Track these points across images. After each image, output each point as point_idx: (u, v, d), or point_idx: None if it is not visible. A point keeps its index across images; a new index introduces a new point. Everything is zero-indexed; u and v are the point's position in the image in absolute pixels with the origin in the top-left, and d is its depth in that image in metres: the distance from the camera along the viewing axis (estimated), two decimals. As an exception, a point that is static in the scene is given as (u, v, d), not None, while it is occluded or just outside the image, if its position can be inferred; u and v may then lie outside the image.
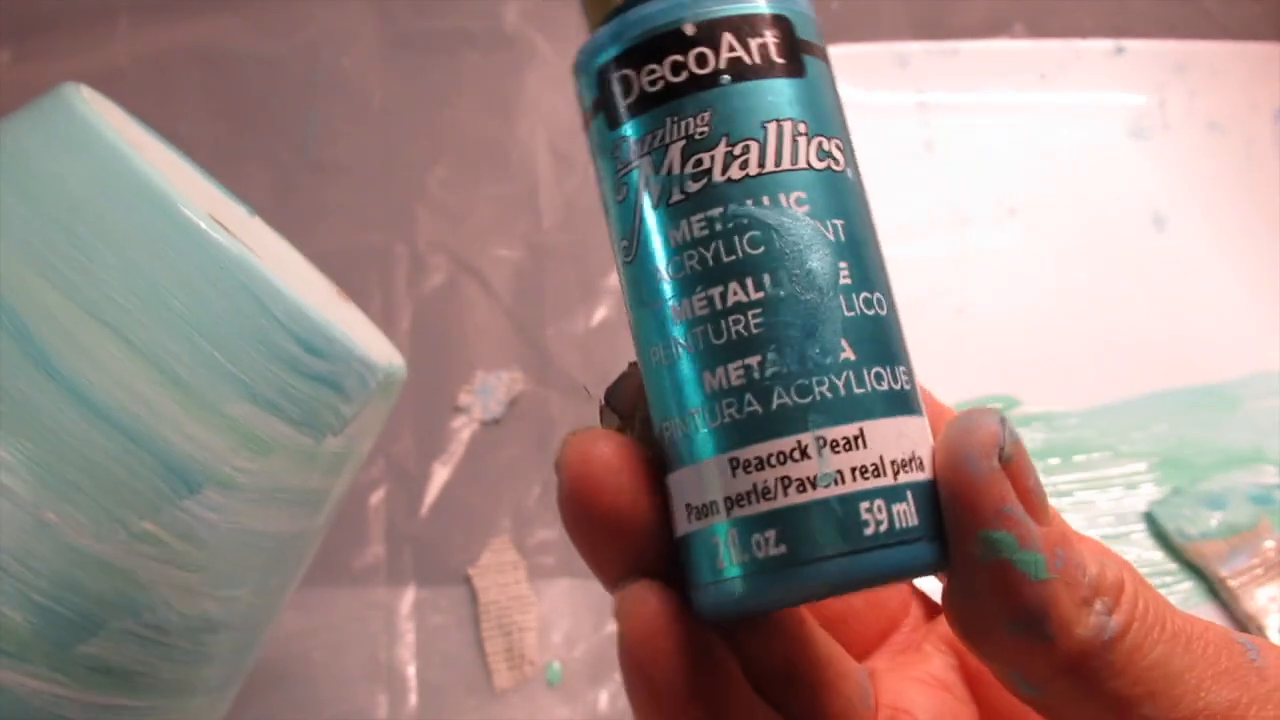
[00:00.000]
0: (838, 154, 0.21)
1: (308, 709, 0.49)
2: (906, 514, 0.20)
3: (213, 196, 0.38)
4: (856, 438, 0.20)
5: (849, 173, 0.21)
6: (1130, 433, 0.55)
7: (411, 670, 0.50)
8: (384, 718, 0.49)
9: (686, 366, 0.21)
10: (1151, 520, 0.52)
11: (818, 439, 0.20)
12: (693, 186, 0.21)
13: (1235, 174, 0.62)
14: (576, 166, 0.61)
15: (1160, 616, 0.21)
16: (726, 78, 0.21)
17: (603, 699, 0.50)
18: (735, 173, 0.20)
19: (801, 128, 0.21)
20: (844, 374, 0.20)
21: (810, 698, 0.23)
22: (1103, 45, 0.64)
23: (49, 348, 0.30)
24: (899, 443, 0.20)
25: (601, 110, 0.22)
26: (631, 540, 0.21)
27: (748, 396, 0.20)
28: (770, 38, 0.21)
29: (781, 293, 0.20)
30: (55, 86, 0.34)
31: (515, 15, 0.65)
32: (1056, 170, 0.62)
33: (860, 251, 0.21)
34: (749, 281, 0.20)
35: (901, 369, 0.21)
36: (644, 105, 0.21)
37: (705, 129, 0.21)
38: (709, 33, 0.21)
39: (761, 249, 0.20)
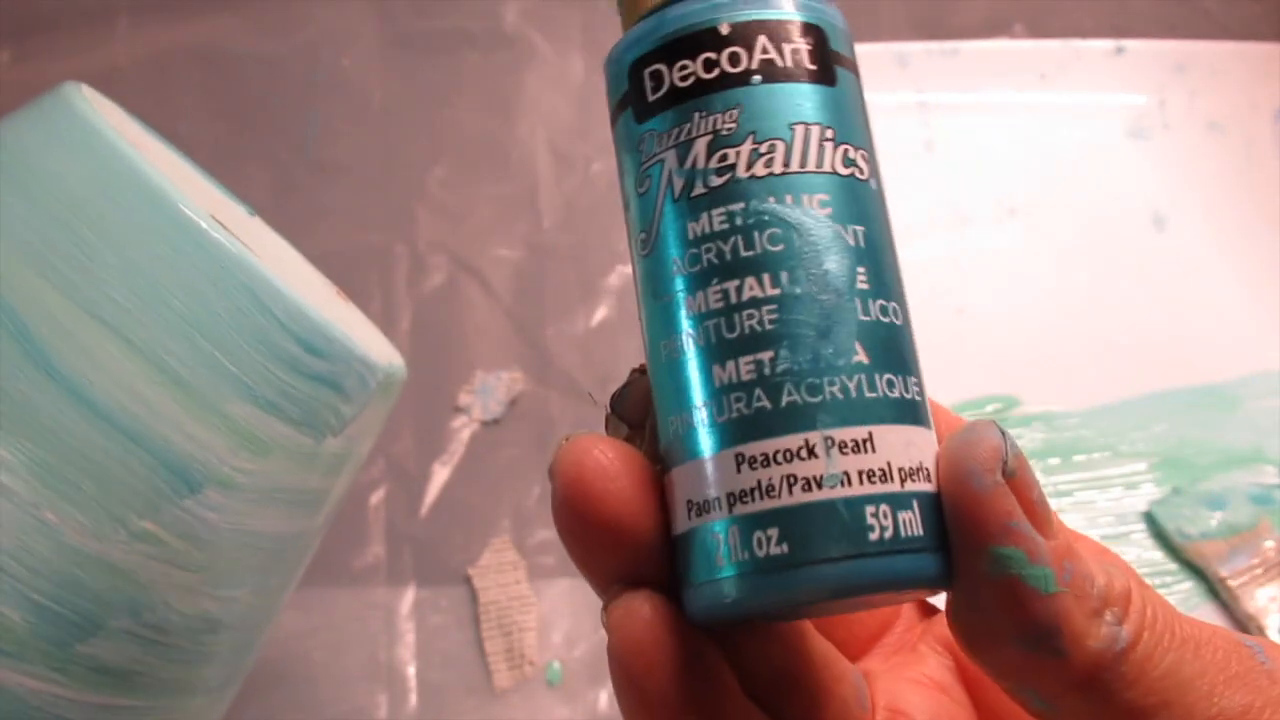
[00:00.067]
0: (862, 163, 0.21)
1: (308, 709, 0.49)
2: (912, 523, 0.19)
3: (213, 196, 0.38)
4: (865, 441, 0.20)
5: (872, 183, 0.21)
6: (1130, 433, 0.55)
7: (411, 670, 0.50)
8: (384, 718, 0.49)
9: (696, 360, 0.20)
10: (1151, 520, 0.52)
11: (826, 439, 0.19)
12: (716, 181, 0.21)
13: (1235, 174, 0.62)
14: (576, 166, 0.61)
15: (1169, 623, 0.20)
16: (757, 78, 0.21)
17: (603, 699, 0.50)
18: (760, 170, 0.20)
19: (829, 133, 0.21)
20: (855, 376, 0.20)
21: (806, 702, 0.23)
22: (1103, 45, 0.64)
23: (49, 347, 0.30)
24: (907, 451, 0.20)
25: (630, 104, 0.22)
26: (628, 549, 0.20)
27: (757, 392, 0.20)
28: (804, 44, 0.21)
29: (798, 290, 0.20)
30: (55, 86, 0.34)
31: (515, 15, 0.65)
32: (1056, 170, 0.62)
33: (879, 259, 0.21)
34: (766, 277, 0.20)
35: (913, 380, 0.21)
36: (673, 99, 0.21)
37: (732, 125, 0.21)
38: (744, 33, 0.21)
39: (781, 246, 0.20)
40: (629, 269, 0.59)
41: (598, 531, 0.20)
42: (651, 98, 0.21)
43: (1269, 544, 0.51)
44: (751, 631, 0.22)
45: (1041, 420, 0.55)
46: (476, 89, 0.64)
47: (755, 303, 0.20)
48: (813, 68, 0.21)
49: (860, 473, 0.19)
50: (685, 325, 0.21)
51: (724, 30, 0.21)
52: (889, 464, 0.20)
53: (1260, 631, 0.49)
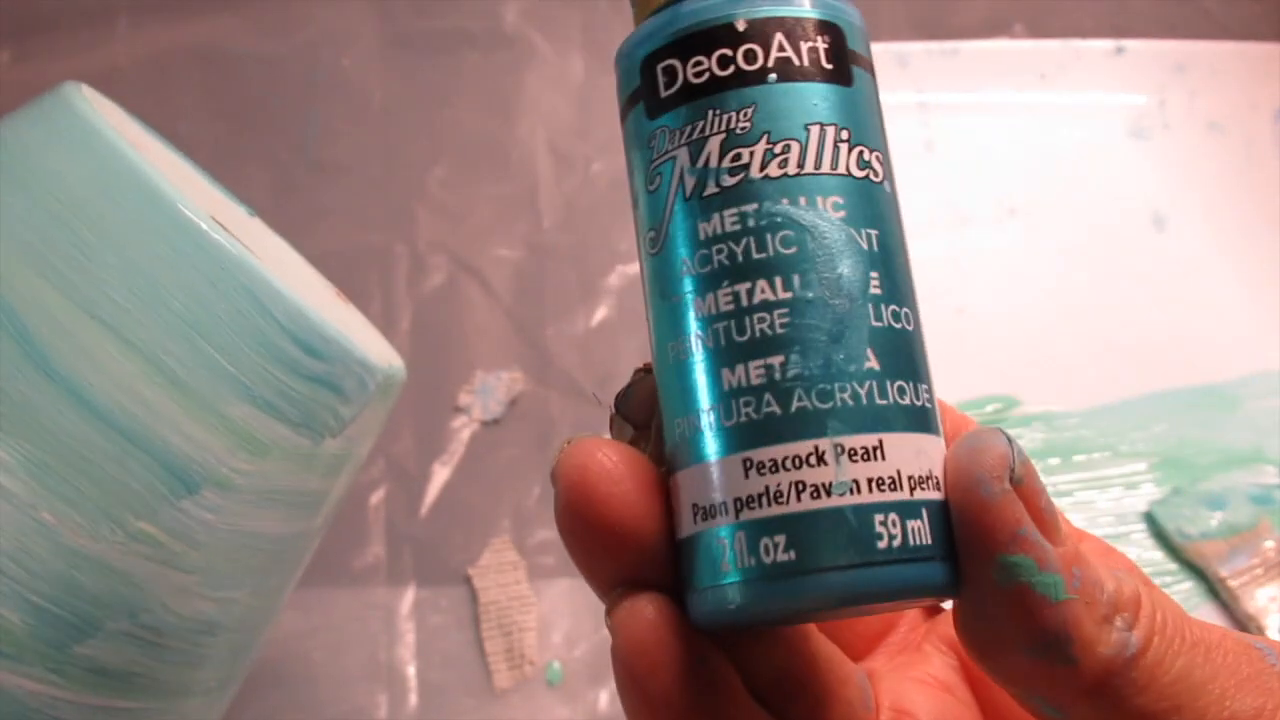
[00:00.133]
0: (877, 166, 0.21)
1: (308, 709, 0.49)
2: (921, 531, 0.19)
3: (213, 196, 0.38)
4: (875, 448, 0.19)
5: (886, 185, 0.21)
6: (1130, 433, 0.55)
7: (411, 670, 0.50)
8: (384, 718, 0.49)
9: (704, 362, 0.20)
10: (1151, 520, 0.52)
11: (836, 446, 0.19)
12: (729, 180, 0.20)
13: (1235, 174, 0.62)
14: (576, 166, 0.61)
15: (1179, 627, 0.20)
16: (773, 76, 0.20)
17: (603, 699, 0.49)
18: (774, 170, 0.20)
19: (844, 135, 0.21)
20: (867, 383, 0.20)
21: (811, 704, 0.23)
22: (1103, 45, 0.64)
23: (48, 348, 0.30)
24: (917, 459, 0.20)
25: (641, 100, 0.21)
26: (632, 552, 0.20)
27: (767, 396, 0.20)
28: (821, 43, 0.21)
29: (810, 294, 0.20)
30: (55, 86, 0.34)
31: (515, 15, 0.65)
32: (1056, 170, 0.62)
33: (892, 263, 0.21)
34: (778, 280, 0.20)
35: (924, 387, 0.20)
36: (686, 96, 0.21)
37: (747, 124, 0.20)
38: (760, 30, 0.21)
39: (794, 249, 0.20)
40: (629, 269, 0.59)
41: (601, 535, 0.20)
42: (664, 94, 0.21)
43: (1269, 544, 0.51)
44: (755, 634, 0.22)
45: (1041, 420, 0.55)
46: (476, 89, 0.63)
47: (766, 306, 0.20)
48: (829, 67, 0.21)
49: (870, 480, 0.19)
50: (694, 327, 0.20)
51: (740, 26, 0.21)
52: (899, 472, 0.19)
53: (1260, 631, 0.49)
